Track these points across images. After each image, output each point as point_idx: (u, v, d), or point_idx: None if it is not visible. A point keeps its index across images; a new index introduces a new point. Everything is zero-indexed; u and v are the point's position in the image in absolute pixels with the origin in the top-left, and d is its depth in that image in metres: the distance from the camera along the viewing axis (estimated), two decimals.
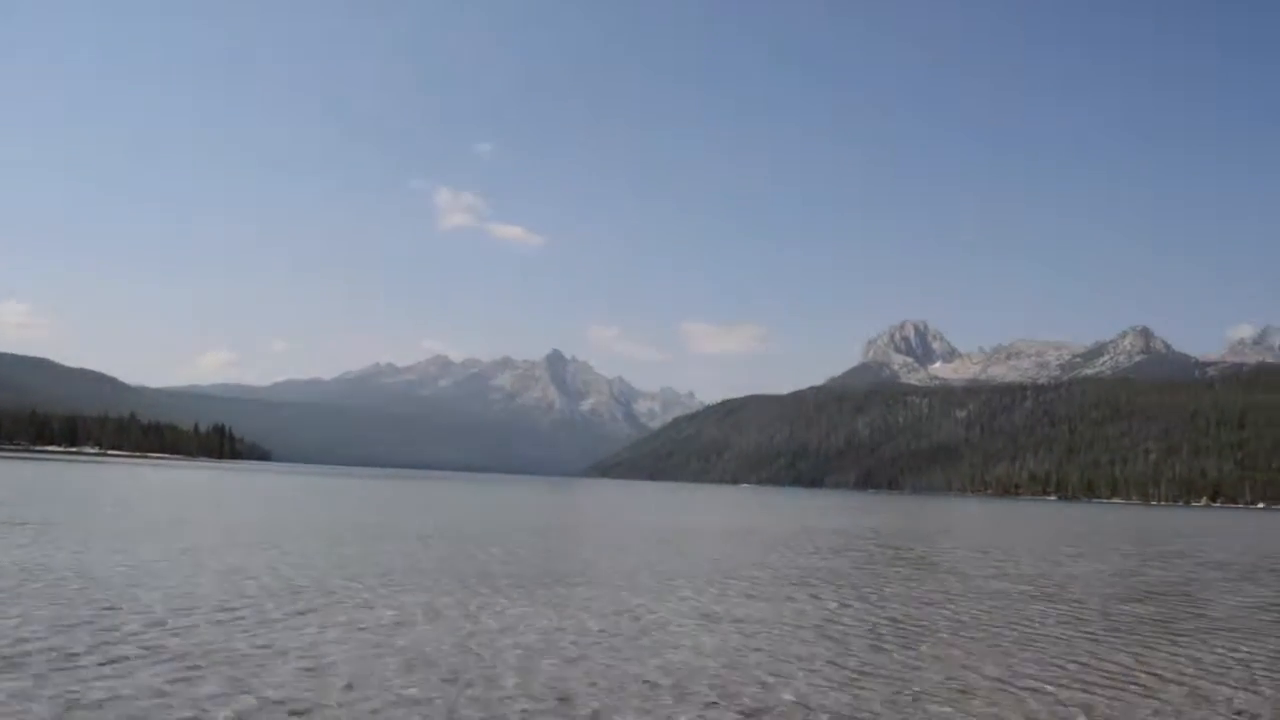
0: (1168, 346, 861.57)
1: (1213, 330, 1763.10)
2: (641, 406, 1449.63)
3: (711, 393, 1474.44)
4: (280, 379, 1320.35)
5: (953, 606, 16.98)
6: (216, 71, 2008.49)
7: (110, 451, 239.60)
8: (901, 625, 14.57)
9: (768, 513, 70.58)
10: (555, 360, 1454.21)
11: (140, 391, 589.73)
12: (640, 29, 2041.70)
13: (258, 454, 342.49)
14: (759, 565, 23.76)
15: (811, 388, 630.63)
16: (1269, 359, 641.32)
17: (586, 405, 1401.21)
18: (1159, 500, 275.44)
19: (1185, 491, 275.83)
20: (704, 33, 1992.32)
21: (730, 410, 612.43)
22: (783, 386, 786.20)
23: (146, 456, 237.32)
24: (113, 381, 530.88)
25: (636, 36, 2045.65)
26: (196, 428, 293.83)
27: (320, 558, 20.32)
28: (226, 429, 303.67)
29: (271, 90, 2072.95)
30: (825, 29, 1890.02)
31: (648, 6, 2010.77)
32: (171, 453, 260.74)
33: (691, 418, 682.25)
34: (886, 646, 12.63)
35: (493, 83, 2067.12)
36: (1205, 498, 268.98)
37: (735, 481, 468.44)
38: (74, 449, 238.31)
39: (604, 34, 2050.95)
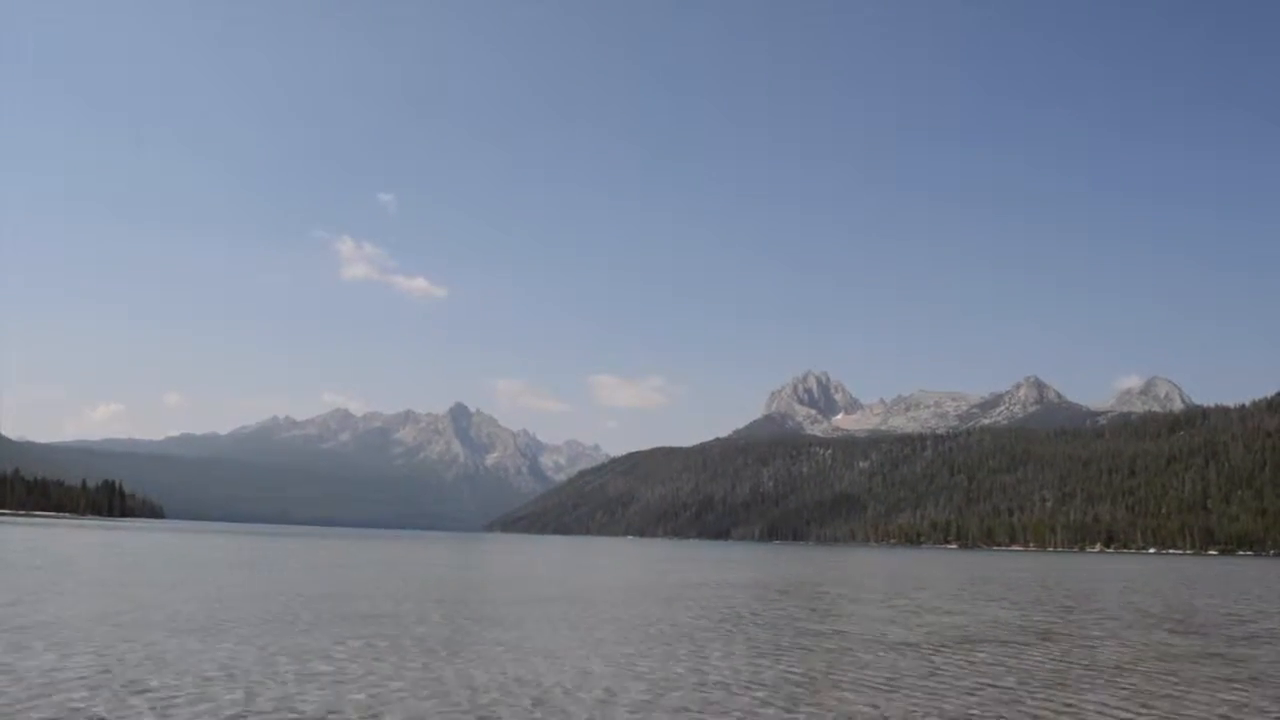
0: (1060, 396, 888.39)
1: (1101, 381, 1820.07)
2: (547, 460, 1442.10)
3: (618, 445, 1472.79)
4: (174, 433, 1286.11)
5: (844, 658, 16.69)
6: (117, 117, 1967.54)
7: None
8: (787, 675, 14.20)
9: (670, 565, 70.08)
10: (459, 413, 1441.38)
11: (26, 447, 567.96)
12: (540, 77, 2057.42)
13: (150, 510, 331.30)
14: (663, 620, 23.28)
15: (716, 439, 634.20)
16: (1155, 408, 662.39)
17: (491, 459, 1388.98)
18: (1055, 546, 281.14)
19: (1080, 537, 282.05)
20: (605, 78, 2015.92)
21: (636, 463, 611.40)
22: (689, 439, 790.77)
23: (31, 515, 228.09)
24: None
25: (537, 85, 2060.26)
26: (84, 484, 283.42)
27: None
28: (117, 485, 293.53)
29: (171, 137, 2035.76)
30: (729, 68, 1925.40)
31: (545, 54, 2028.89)
32: (58, 510, 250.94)
33: (597, 470, 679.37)
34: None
35: (394, 132, 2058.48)
36: (1099, 543, 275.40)
37: (641, 534, 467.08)
38: None
39: (505, 83, 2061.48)
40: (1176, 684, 14.44)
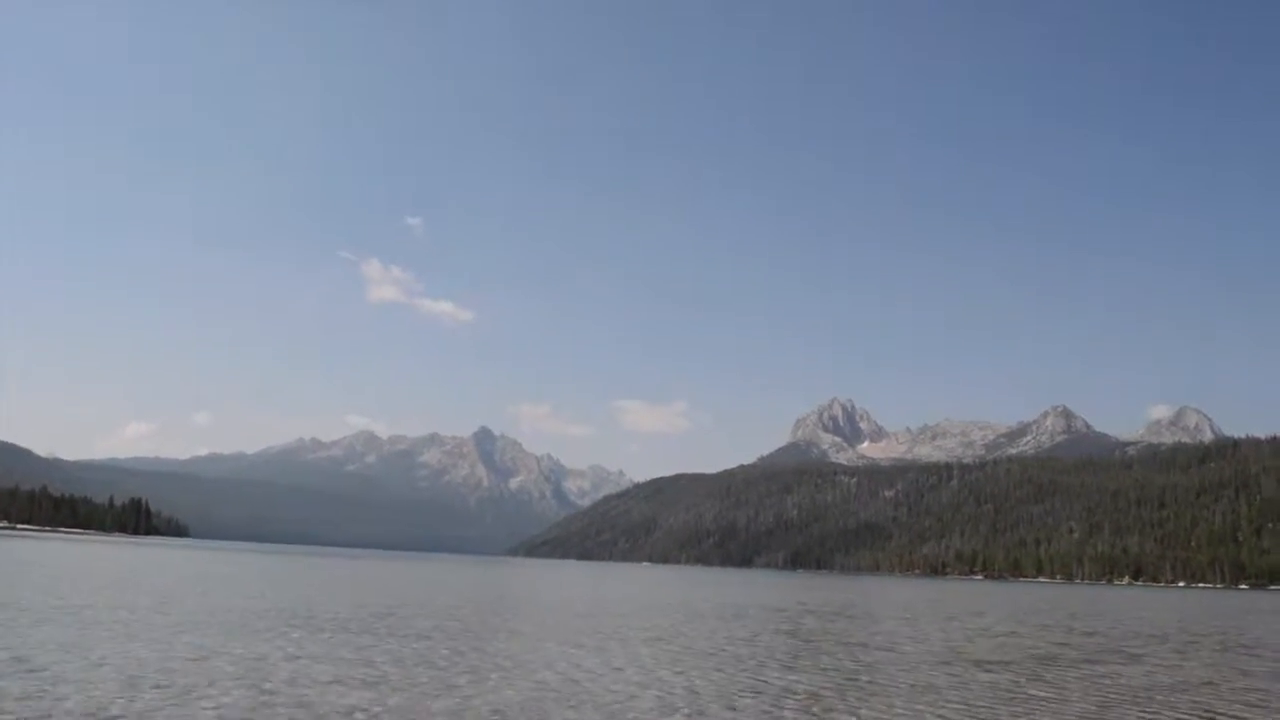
0: (1088, 426, 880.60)
1: (1131, 410, 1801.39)
2: (571, 484, 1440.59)
3: (642, 470, 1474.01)
4: (202, 452, 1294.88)
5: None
6: (150, 134, 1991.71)
7: (20, 525, 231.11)
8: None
9: (714, 589, 69.73)
10: (483, 437, 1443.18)
11: (55, 464, 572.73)
12: (567, 102, 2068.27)
13: (175, 529, 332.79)
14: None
15: (741, 466, 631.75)
16: (1184, 439, 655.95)
17: (515, 483, 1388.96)
18: (1082, 578, 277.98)
19: (1108, 570, 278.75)
20: (637, 101, 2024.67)
21: (659, 488, 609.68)
22: (713, 465, 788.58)
23: (58, 531, 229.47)
24: (26, 454, 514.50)
25: (564, 111, 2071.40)
26: (111, 501, 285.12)
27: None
28: (143, 503, 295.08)
29: (202, 158, 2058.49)
30: (766, 85, 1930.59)
31: (576, 76, 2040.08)
32: (85, 527, 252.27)
33: (620, 496, 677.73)
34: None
35: (423, 155, 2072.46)
36: (1127, 576, 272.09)
37: (664, 560, 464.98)
38: None
39: (533, 109, 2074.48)
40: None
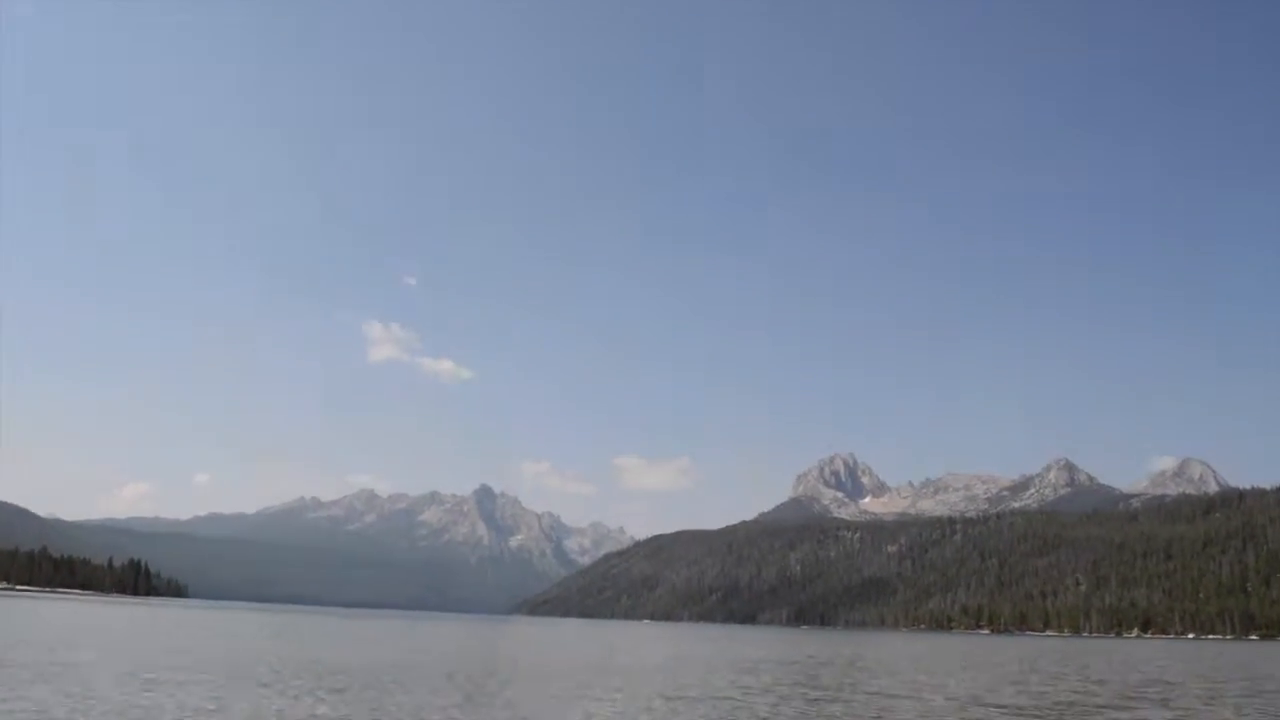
0: (1092, 479, 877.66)
1: (1134, 462, 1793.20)
2: (572, 543, 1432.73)
3: (643, 528, 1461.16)
4: (202, 512, 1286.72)
5: None
6: (148, 209, 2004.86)
7: (19, 586, 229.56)
8: None
9: (729, 644, 69.05)
10: (484, 495, 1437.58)
11: (55, 525, 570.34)
12: (567, 162, 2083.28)
13: (174, 590, 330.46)
14: None
15: (743, 522, 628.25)
16: (1189, 490, 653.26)
17: (515, 541, 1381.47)
18: (1090, 631, 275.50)
19: (1116, 622, 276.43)
20: (633, 164, 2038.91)
21: (661, 546, 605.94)
22: (715, 521, 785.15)
23: (56, 592, 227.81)
24: (25, 513, 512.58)
25: (564, 168, 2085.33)
26: (110, 562, 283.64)
27: None
28: (142, 564, 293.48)
29: (201, 219, 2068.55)
30: (749, 153, 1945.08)
31: (574, 138, 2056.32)
32: (84, 588, 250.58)
33: (622, 554, 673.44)
34: None
35: (422, 216, 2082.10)
36: (1136, 628, 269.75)
37: (667, 618, 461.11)
38: None
39: (531, 166, 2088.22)
40: None
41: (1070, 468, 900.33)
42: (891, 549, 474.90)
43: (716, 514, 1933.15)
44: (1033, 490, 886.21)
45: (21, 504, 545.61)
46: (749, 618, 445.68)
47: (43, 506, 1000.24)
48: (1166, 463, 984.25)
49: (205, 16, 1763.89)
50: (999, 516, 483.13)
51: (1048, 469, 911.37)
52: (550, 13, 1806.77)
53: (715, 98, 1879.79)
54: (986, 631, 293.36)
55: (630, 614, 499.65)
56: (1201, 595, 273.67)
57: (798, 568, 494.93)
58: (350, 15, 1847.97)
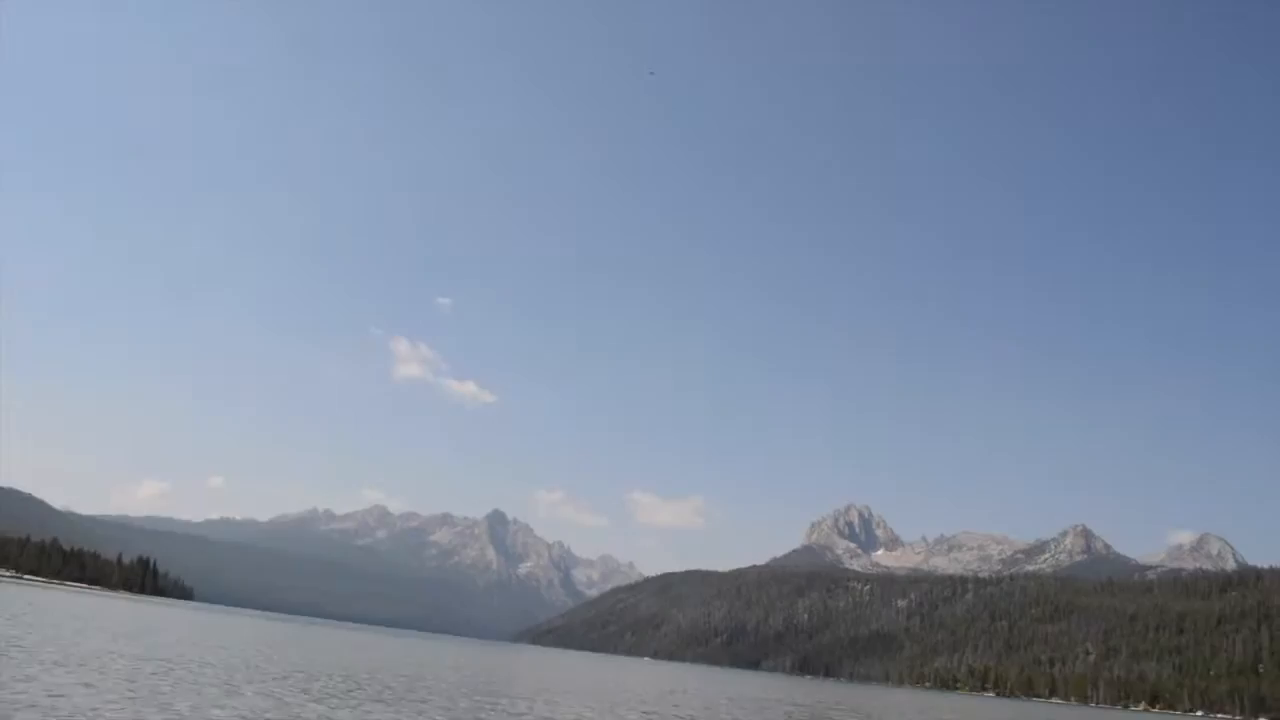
0: (1108, 547, 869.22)
1: (1153, 534, 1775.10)
2: (580, 574, 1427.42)
3: (653, 564, 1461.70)
4: (214, 516, 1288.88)
5: None
6: (186, 211, 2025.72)
7: (27, 576, 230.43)
8: None
9: (745, 687, 68.47)
10: (496, 520, 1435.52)
11: (68, 517, 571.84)
12: (598, 194, 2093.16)
13: (181, 591, 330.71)
14: None
15: (753, 566, 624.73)
16: (1206, 565, 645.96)
17: (524, 569, 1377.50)
18: (1097, 702, 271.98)
19: (1124, 694, 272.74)
20: (657, 202, 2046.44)
21: (669, 584, 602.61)
22: (725, 563, 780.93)
23: (64, 584, 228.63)
24: (40, 504, 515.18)
25: (599, 201, 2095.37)
26: (120, 559, 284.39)
27: None
28: (151, 563, 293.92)
29: (243, 226, 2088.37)
30: (770, 202, 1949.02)
31: (608, 169, 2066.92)
32: (92, 582, 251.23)
33: (630, 589, 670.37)
34: None
35: (457, 238, 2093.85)
36: (1144, 702, 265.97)
37: (670, 657, 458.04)
38: None
39: (567, 200, 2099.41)
40: None
41: (1087, 534, 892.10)
42: (901, 604, 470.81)
43: (727, 556, 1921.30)
44: (1048, 555, 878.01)
45: (37, 494, 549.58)
46: (753, 663, 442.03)
47: (58, 498, 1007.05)
48: (1184, 536, 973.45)
49: (251, 23, 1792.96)
50: (1012, 578, 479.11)
51: (1064, 534, 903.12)
52: (613, 26, 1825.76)
53: (771, 140, 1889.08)
54: (992, 694, 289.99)
55: (634, 650, 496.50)
56: (1213, 673, 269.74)
57: (805, 616, 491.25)
58: (417, 28, 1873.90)
